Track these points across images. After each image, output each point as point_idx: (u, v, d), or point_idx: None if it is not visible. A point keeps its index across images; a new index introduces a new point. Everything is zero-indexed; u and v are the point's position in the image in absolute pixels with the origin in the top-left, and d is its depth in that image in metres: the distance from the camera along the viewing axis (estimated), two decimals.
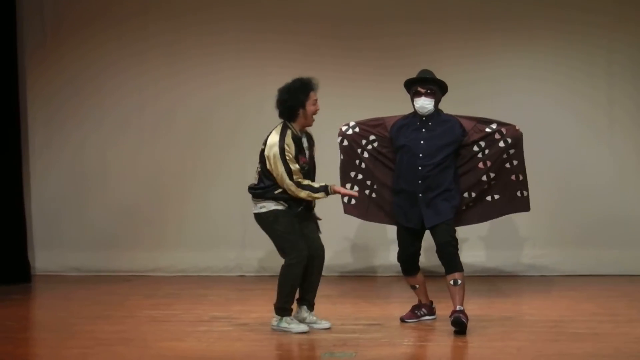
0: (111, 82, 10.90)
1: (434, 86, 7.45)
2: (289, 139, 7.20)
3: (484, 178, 7.60)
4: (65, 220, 10.97)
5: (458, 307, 7.25)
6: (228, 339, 7.16)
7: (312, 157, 7.44)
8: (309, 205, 7.43)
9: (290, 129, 7.26)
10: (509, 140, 7.53)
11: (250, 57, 10.62)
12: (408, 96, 7.55)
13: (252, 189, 7.37)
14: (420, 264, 7.71)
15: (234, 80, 10.65)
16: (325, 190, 7.24)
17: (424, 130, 7.46)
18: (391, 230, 7.85)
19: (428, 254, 7.86)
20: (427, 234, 7.52)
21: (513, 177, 7.61)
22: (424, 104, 7.43)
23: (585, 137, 10.43)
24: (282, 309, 7.34)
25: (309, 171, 7.37)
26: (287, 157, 7.16)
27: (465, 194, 7.61)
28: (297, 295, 7.46)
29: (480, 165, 7.57)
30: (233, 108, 10.62)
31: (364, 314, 8.11)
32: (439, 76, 7.55)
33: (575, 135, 10.42)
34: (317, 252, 7.41)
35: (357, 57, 10.56)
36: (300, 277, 7.31)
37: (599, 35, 10.34)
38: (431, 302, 7.86)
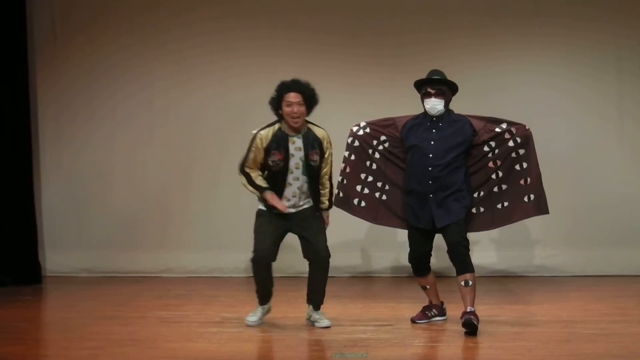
0: (121, 80, 10.87)
1: (444, 86, 7.45)
2: (265, 132, 7.41)
3: (494, 176, 7.58)
4: (75, 222, 10.98)
5: (469, 308, 7.24)
6: (239, 340, 7.16)
7: (310, 160, 7.41)
8: (316, 206, 7.48)
9: (277, 125, 7.42)
10: (518, 139, 7.51)
11: (259, 55, 10.60)
12: (418, 95, 7.54)
13: None
14: (431, 264, 7.71)
15: (242, 77, 10.64)
16: (262, 191, 7.38)
17: (434, 130, 7.45)
18: (402, 231, 7.84)
19: (439, 255, 7.84)
20: (439, 235, 7.51)
21: (522, 181, 7.55)
22: (434, 104, 7.43)
23: (596, 136, 10.42)
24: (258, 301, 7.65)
25: (283, 170, 7.39)
26: (254, 146, 7.37)
27: (475, 194, 7.60)
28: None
29: (490, 164, 7.56)
30: (242, 106, 10.57)
31: (374, 315, 8.11)
32: (448, 74, 7.55)
33: (586, 133, 10.41)
34: (315, 256, 7.49)
35: (366, 57, 10.56)
36: (263, 275, 7.51)
37: (608, 31, 10.33)
38: (442, 303, 7.85)
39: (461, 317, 7.24)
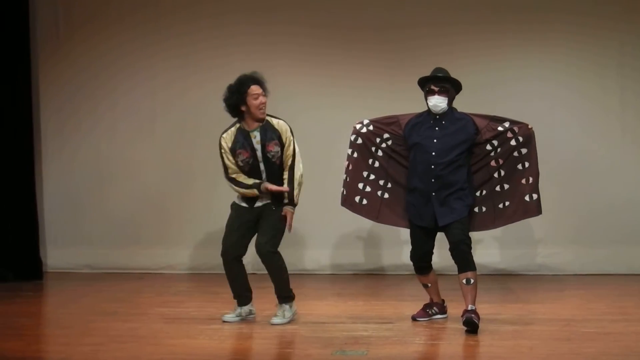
0: (125, 77, 10.89)
1: (448, 84, 7.44)
2: (226, 134, 7.50)
3: (496, 175, 7.57)
4: (77, 218, 10.99)
5: (470, 307, 7.24)
6: (239, 337, 7.17)
7: (267, 152, 7.43)
8: (274, 200, 7.47)
9: (237, 125, 7.48)
10: (521, 138, 7.49)
11: (260, 51, 10.58)
12: (421, 95, 7.54)
13: None
14: (433, 263, 7.70)
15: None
16: (258, 187, 7.40)
17: (437, 128, 7.44)
18: (405, 230, 7.84)
19: (442, 254, 7.84)
20: (441, 234, 7.51)
21: (523, 180, 7.53)
22: (437, 102, 7.42)
23: (596, 137, 10.40)
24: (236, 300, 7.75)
25: (254, 166, 7.45)
26: (222, 151, 7.48)
27: (477, 193, 7.59)
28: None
29: (493, 163, 7.55)
30: None
31: (375, 313, 8.11)
32: (449, 68, 7.55)
33: (586, 134, 10.40)
34: (257, 250, 7.54)
35: (369, 55, 10.56)
36: (227, 270, 7.65)
37: (611, 37, 10.32)
38: (443, 301, 7.85)
39: (462, 316, 7.24)
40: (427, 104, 7.49)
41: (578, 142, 10.38)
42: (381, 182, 7.75)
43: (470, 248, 7.34)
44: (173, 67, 10.84)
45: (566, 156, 10.29)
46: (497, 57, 10.47)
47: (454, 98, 7.52)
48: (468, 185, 7.45)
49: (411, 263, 7.70)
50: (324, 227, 10.43)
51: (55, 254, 10.95)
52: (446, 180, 7.36)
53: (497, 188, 7.59)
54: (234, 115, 7.50)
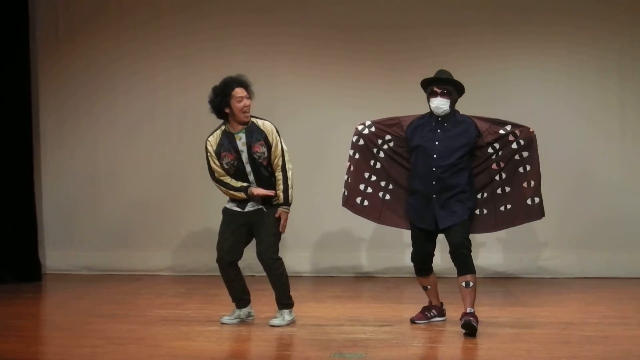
0: (124, 77, 10.91)
1: (450, 87, 7.43)
2: (212, 137, 7.49)
3: (497, 178, 7.56)
4: (76, 219, 11.00)
5: (469, 310, 7.24)
6: (238, 339, 7.17)
7: (253, 153, 7.41)
8: (266, 203, 7.46)
9: (223, 127, 7.47)
10: (522, 142, 7.49)
11: (260, 52, 10.59)
12: (422, 95, 7.54)
13: None
14: (435, 265, 7.70)
15: (244, 73, 10.60)
16: (245, 191, 7.38)
17: (439, 130, 7.44)
18: (406, 232, 7.84)
19: (444, 256, 7.82)
20: (442, 235, 7.51)
21: (525, 184, 7.52)
22: (440, 104, 7.41)
23: (596, 140, 10.41)
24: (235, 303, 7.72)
25: (239, 168, 7.44)
26: (208, 154, 7.46)
27: (479, 195, 7.59)
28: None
29: (494, 166, 7.55)
30: None
31: (374, 315, 8.11)
32: (450, 68, 7.54)
33: (586, 137, 10.41)
34: (259, 257, 7.52)
35: (369, 55, 10.57)
36: (224, 275, 7.62)
37: (611, 40, 10.34)
38: (441, 304, 7.85)
39: (460, 319, 7.23)
40: (430, 105, 7.48)
41: (578, 144, 10.40)
42: (382, 184, 7.75)
43: (470, 251, 7.34)
44: (172, 67, 10.85)
45: (566, 159, 10.30)
46: (498, 58, 10.50)
47: (456, 100, 7.51)
48: (469, 188, 7.44)
49: (411, 265, 7.70)
50: (322, 229, 10.42)
51: (54, 256, 10.95)
52: (447, 182, 7.35)
53: (499, 191, 7.58)
54: (219, 117, 7.50)
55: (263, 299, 8.06)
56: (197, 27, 10.78)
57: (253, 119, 7.50)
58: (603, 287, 9.71)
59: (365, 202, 7.78)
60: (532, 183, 7.53)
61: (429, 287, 7.77)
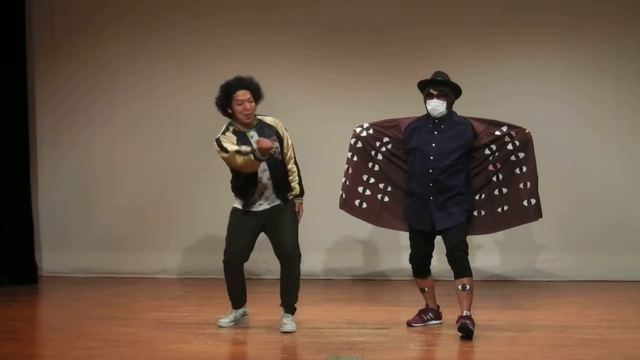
0: (121, 76, 10.86)
1: (447, 88, 7.44)
2: (227, 134, 7.36)
3: (494, 179, 7.56)
4: (72, 222, 10.98)
5: (465, 313, 7.24)
6: (235, 342, 7.16)
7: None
8: (282, 198, 7.43)
9: (232, 126, 7.42)
10: (518, 143, 7.49)
11: (260, 52, 10.58)
12: (420, 96, 7.53)
13: None
14: (432, 267, 7.70)
15: (243, 72, 10.57)
16: (254, 153, 7.15)
17: (436, 132, 7.44)
18: (404, 235, 7.83)
19: (442, 258, 7.81)
20: (439, 238, 7.51)
21: (521, 185, 7.52)
22: (436, 106, 7.41)
23: (594, 142, 10.40)
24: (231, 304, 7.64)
25: None
26: (222, 141, 7.29)
27: (476, 196, 7.59)
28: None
29: (491, 167, 7.55)
30: None
31: (371, 318, 8.10)
32: (447, 70, 7.55)
33: (584, 139, 10.40)
34: (282, 253, 7.46)
35: (368, 56, 10.55)
36: (234, 277, 7.53)
37: (608, 40, 10.33)
38: (438, 307, 7.84)
39: (457, 322, 7.23)
40: (426, 107, 7.49)
41: (575, 145, 10.37)
42: (381, 186, 7.75)
43: (467, 254, 7.34)
44: (170, 67, 10.82)
45: (564, 161, 10.28)
46: (496, 58, 10.48)
47: (453, 102, 7.51)
48: (467, 190, 7.44)
49: (408, 268, 7.71)
50: (320, 231, 10.41)
51: (51, 258, 10.93)
52: (444, 184, 7.35)
53: (496, 192, 7.59)
54: (224, 115, 7.48)
55: (259, 302, 8.08)
56: (194, 27, 10.76)
57: (259, 117, 7.48)
58: (600, 291, 9.71)
59: (364, 205, 7.78)
60: (529, 184, 7.53)
61: (426, 289, 7.77)
